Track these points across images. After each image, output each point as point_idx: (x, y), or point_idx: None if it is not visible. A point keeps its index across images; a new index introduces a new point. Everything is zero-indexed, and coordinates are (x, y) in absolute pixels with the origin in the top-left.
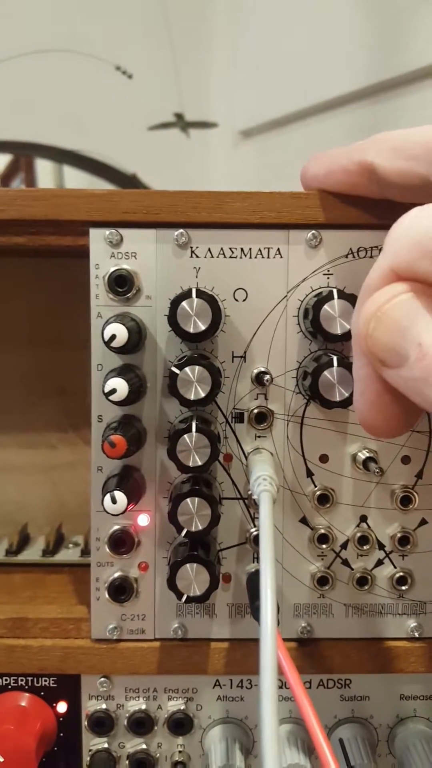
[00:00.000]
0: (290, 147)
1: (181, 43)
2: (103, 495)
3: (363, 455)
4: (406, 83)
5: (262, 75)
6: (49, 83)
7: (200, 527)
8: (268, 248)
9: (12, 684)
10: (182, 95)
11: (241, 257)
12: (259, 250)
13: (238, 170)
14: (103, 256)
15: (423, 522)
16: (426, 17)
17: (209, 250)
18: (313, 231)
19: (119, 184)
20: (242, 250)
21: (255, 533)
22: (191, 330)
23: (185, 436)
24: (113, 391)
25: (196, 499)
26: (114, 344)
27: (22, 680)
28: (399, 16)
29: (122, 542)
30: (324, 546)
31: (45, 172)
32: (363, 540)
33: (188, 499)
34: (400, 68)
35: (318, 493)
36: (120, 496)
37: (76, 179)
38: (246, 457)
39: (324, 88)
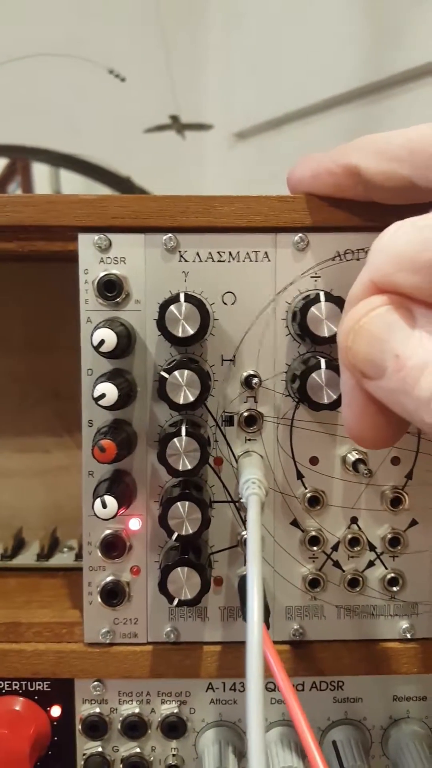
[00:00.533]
0: (286, 148)
1: (174, 46)
2: (94, 499)
3: (352, 457)
4: (401, 83)
5: (256, 76)
6: (43, 87)
7: (190, 531)
8: (256, 252)
9: (6, 688)
10: (176, 98)
11: (229, 261)
12: (247, 253)
13: (233, 172)
14: (92, 261)
15: (413, 523)
16: (420, 18)
17: (197, 254)
18: (301, 234)
19: (115, 187)
20: (230, 253)
21: (246, 536)
22: (180, 334)
23: (175, 440)
24: (102, 396)
25: (186, 503)
26: (103, 349)
27: (15, 684)
28: (394, 16)
29: (114, 546)
30: (315, 548)
31: (41, 175)
32: (354, 541)
33: (178, 503)
34: (395, 68)
35: (308, 495)
36: (110, 500)
37: (72, 183)
38: (236, 460)
39: (319, 89)
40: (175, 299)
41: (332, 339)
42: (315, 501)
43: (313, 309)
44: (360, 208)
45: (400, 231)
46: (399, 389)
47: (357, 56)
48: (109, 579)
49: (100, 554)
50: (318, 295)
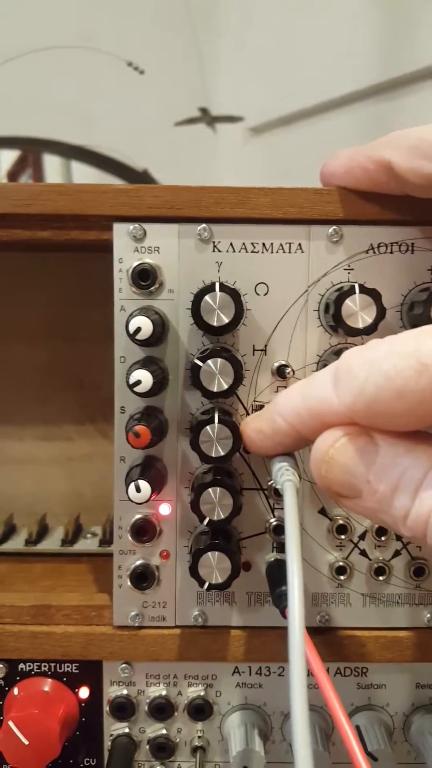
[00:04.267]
0: (300, 144)
1: (190, 41)
2: (127, 484)
3: None
4: (416, 81)
5: (271, 72)
6: (59, 80)
7: (222, 516)
8: (290, 243)
9: (36, 670)
10: (193, 92)
11: (262, 252)
12: (281, 245)
13: (247, 168)
14: (126, 250)
15: None
16: None
17: (231, 244)
18: (334, 227)
19: (129, 180)
20: (264, 245)
21: (274, 523)
22: (215, 323)
23: (208, 427)
24: (138, 382)
25: (218, 488)
26: (139, 337)
27: (45, 666)
28: (409, 13)
29: (144, 531)
30: (342, 536)
31: (53, 168)
32: (381, 531)
33: (210, 489)
34: (410, 66)
35: None
36: (144, 485)
37: (84, 175)
38: None
39: (334, 86)
40: (210, 289)
41: (366, 330)
42: None
43: (347, 301)
44: (393, 202)
45: (372, 376)
46: (376, 509)
47: (371, 53)
48: (139, 563)
49: (130, 538)
50: (353, 287)
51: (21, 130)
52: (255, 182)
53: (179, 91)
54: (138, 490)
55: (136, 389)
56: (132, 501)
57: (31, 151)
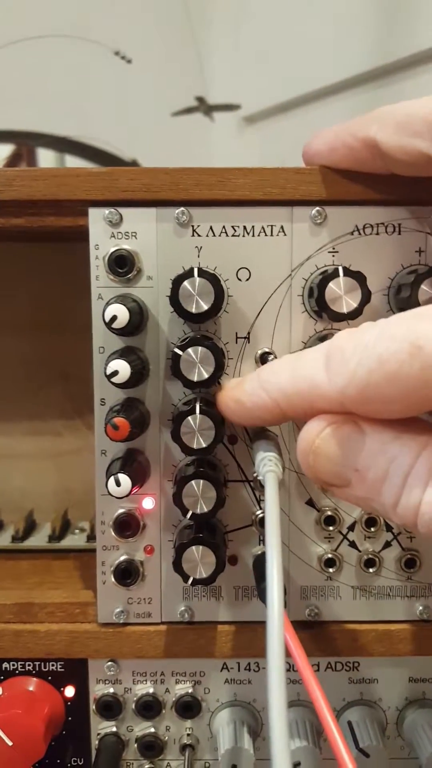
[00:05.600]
0: (295, 132)
1: (182, 29)
2: (107, 478)
3: None
4: (410, 66)
5: (265, 60)
6: (48, 70)
7: (205, 509)
8: (272, 226)
9: (19, 669)
10: (186, 81)
11: (243, 235)
12: (263, 227)
13: (241, 157)
14: (102, 236)
15: None
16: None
17: (211, 228)
18: (318, 208)
19: None
20: (245, 228)
21: (261, 515)
22: (193, 310)
23: (189, 418)
24: (115, 372)
25: (201, 481)
26: (115, 325)
27: (29, 665)
28: None
29: (127, 525)
30: (331, 528)
31: (47, 161)
32: (370, 522)
33: (193, 482)
34: (405, 52)
35: None
36: (124, 478)
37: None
38: (251, 439)
39: (328, 73)
40: (188, 274)
41: (351, 315)
42: None
43: (331, 284)
44: (379, 181)
45: (365, 360)
46: (366, 497)
47: (368, 38)
48: (122, 558)
49: (113, 533)
50: (336, 269)
51: (12, 121)
52: None
53: (175, 80)
54: (118, 484)
55: (113, 380)
56: (112, 496)
57: (25, 144)
